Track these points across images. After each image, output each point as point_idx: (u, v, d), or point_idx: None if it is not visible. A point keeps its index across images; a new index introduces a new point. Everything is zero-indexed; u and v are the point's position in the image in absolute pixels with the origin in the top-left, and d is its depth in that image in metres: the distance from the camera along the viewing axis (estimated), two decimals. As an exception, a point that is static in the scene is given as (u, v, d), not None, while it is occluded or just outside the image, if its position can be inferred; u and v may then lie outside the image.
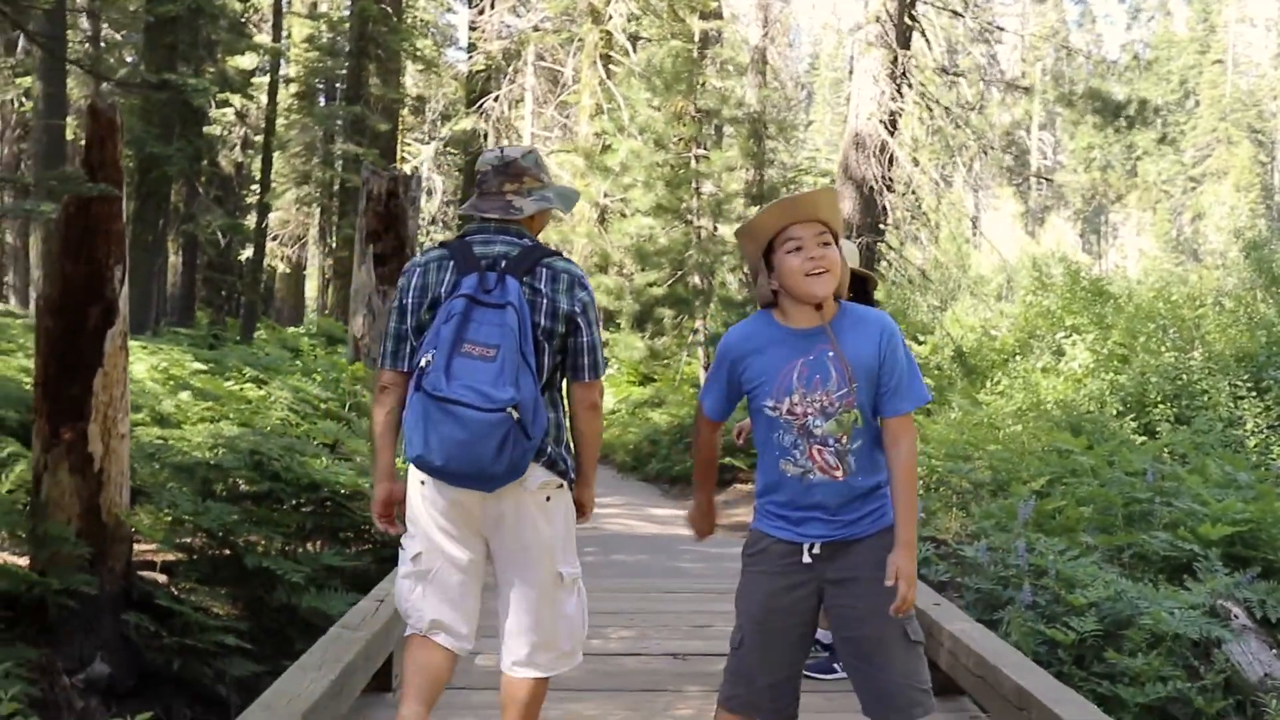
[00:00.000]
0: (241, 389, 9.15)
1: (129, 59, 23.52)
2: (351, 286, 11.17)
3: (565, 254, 3.60)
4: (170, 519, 6.39)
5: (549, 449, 3.22)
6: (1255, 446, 11.08)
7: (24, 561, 5.78)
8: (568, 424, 3.37)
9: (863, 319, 2.99)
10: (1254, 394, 12.10)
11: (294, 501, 6.89)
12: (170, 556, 6.50)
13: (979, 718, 4.44)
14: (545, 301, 3.20)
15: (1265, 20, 69.88)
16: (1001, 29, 20.52)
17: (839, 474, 2.93)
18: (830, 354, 2.92)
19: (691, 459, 4.82)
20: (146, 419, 8.05)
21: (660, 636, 5.49)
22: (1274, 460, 10.68)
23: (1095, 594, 6.08)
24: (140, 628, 5.73)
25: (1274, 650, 6.28)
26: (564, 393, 3.37)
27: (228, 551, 6.42)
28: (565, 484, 3.34)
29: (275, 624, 6.24)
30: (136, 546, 6.28)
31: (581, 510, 3.49)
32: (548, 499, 3.27)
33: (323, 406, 9.01)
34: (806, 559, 2.97)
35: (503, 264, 3.19)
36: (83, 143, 5.78)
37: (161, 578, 6.42)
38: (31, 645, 5.38)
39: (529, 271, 3.19)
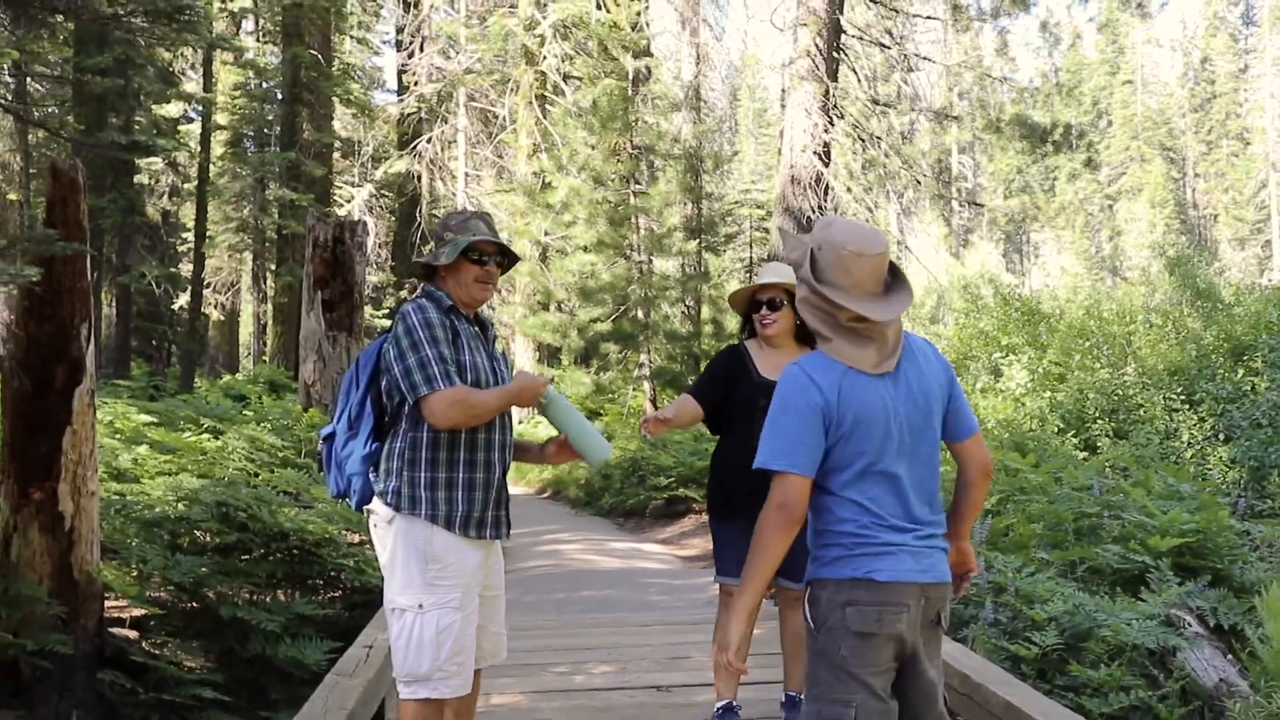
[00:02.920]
0: (198, 440, 9.11)
1: (50, 109, 23.23)
2: (300, 333, 11.16)
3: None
4: (139, 574, 6.36)
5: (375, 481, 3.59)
6: (1192, 458, 11.39)
7: (-8, 623, 5.73)
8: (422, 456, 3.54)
9: None
10: (1187, 406, 12.46)
11: (262, 551, 6.88)
12: (141, 612, 6.47)
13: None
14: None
15: (1170, 40, 71.95)
16: (925, 59, 20.97)
17: None
18: None
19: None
20: (104, 475, 7.99)
21: (640, 669, 5.56)
22: (1210, 470, 11.01)
23: (1055, 608, 6.24)
24: (115, 685, 5.71)
25: (1227, 656, 6.48)
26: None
27: (198, 604, 6.40)
28: (397, 516, 3.51)
29: (250, 675, 6.22)
30: (106, 603, 6.24)
31: None
32: (372, 527, 3.64)
33: (280, 455, 8.99)
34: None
35: None
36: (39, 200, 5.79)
37: (133, 634, 6.38)
38: (6, 707, 5.34)
39: None
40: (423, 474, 3.50)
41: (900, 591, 2.71)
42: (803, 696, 2.95)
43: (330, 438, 3.70)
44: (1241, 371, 13.23)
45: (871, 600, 2.69)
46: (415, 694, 3.49)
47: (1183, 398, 12.67)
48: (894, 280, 2.85)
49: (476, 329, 3.73)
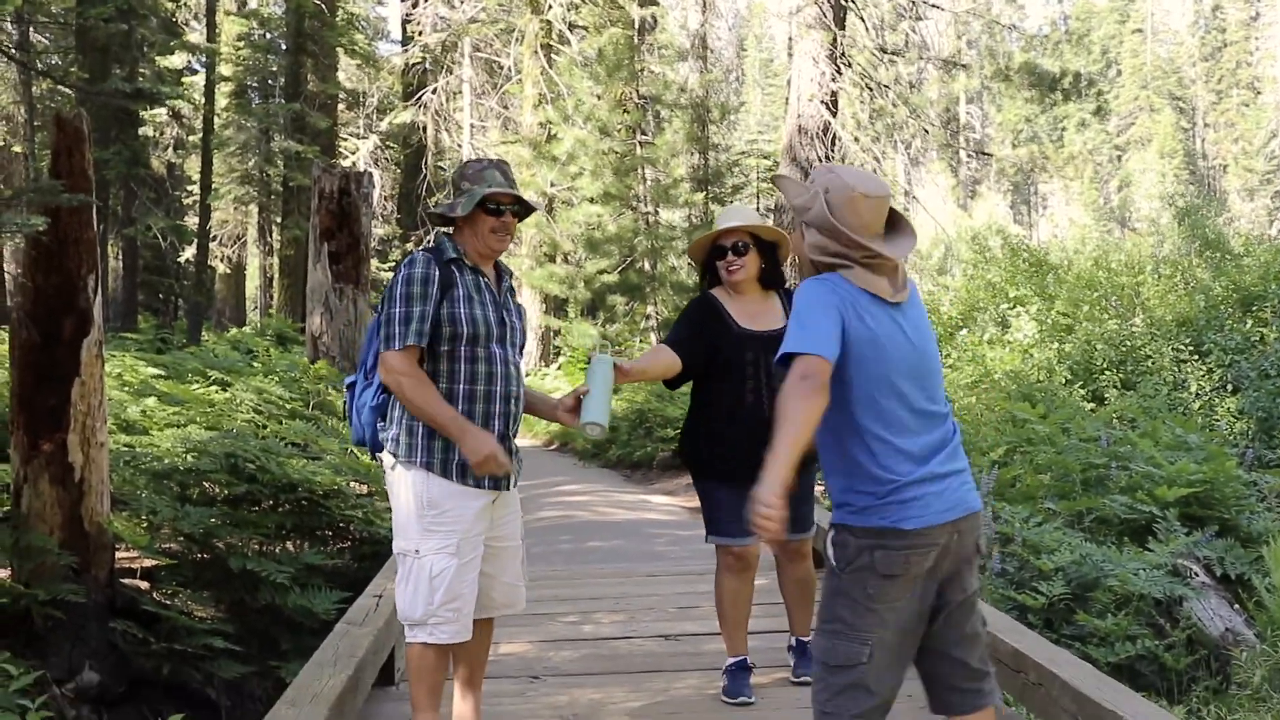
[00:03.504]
0: (206, 392, 9.13)
1: (53, 60, 23.10)
2: (307, 285, 11.15)
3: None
4: (149, 525, 6.40)
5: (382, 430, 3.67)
6: (1200, 409, 11.38)
7: (4, 574, 5.76)
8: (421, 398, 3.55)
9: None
10: (1195, 358, 12.42)
11: (271, 502, 6.91)
12: (151, 563, 6.51)
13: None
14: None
15: (1182, -13, 71.17)
16: (934, 5, 20.74)
17: None
18: None
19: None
20: (113, 427, 8.01)
21: (649, 619, 5.58)
22: (1218, 421, 11.01)
23: (1061, 559, 6.26)
24: (127, 635, 5.75)
25: (1234, 606, 6.51)
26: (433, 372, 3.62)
27: (208, 555, 6.44)
28: (398, 463, 3.59)
29: (260, 625, 6.27)
30: (117, 554, 6.28)
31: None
32: (384, 475, 3.73)
33: (288, 406, 9.01)
34: None
35: None
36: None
37: (144, 584, 6.42)
38: (19, 657, 5.38)
39: None
40: (421, 423, 3.55)
41: (929, 535, 2.76)
42: (813, 632, 2.98)
43: (352, 386, 3.81)
44: (1250, 322, 13.18)
45: (900, 545, 2.74)
46: (415, 637, 3.58)
47: (1191, 349, 12.63)
48: (894, 223, 2.95)
49: (486, 279, 3.71)
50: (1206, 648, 6.05)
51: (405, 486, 3.57)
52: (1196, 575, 6.67)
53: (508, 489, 3.71)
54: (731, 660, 4.52)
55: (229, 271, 32.89)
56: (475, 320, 3.59)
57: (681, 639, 5.29)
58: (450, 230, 3.79)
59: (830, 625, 2.83)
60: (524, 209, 3.79)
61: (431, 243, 3.78)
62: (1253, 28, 64.20)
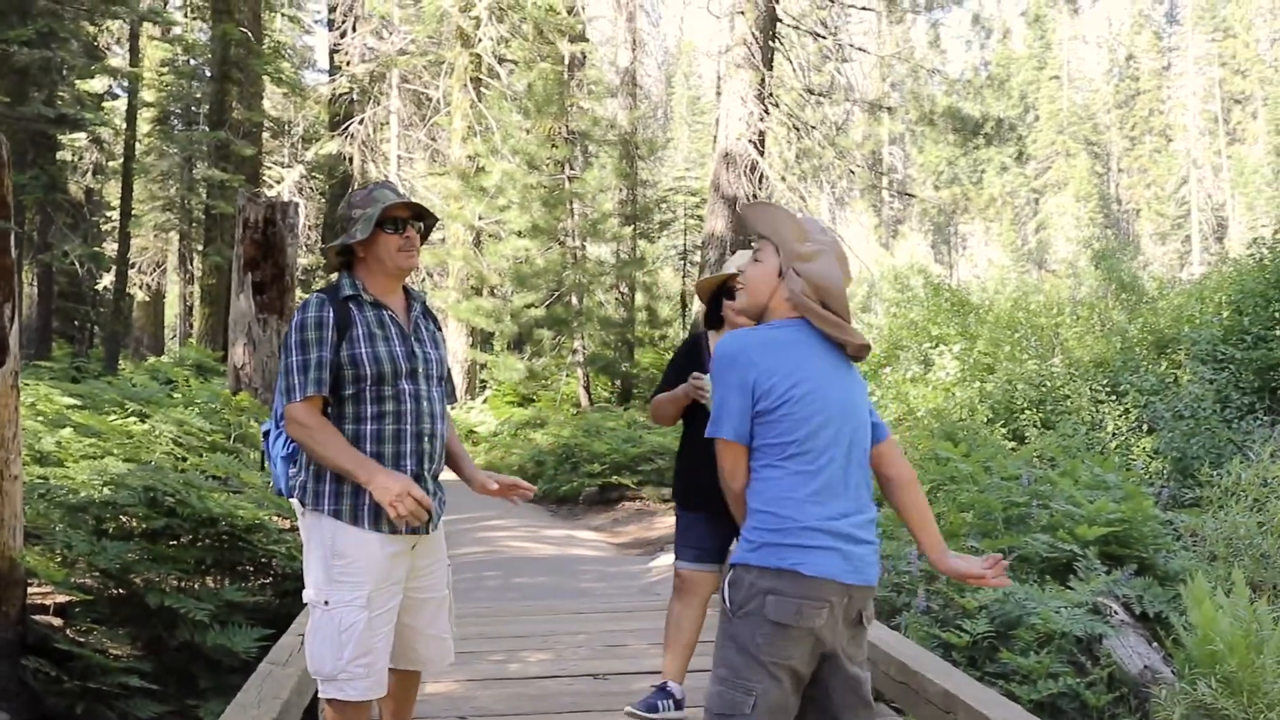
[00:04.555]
0: (124, 424, 8.92)
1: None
2: (230, 316, 10.98)
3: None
4: (64, 560, 6.22)
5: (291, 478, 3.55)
6: (1116, 448, 11.59)
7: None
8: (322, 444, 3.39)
9: None
10: (1112, 398, 12.66)
11: (191, 537, 6.75)
12: (65, 598, 6.32)
13: (896, 723, 4.60)
14: None
15: (1096, 37, 73.08)
16: (860, 49, 21.09)
17: None
18: None
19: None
20: (27, 458, 7.79)
21: (577, 658, 5.53)
22: (1134, 460, 11.21)
23: (985, 596, 6.32)
24: (39, 673, 5.58)
25: (1153, 644, 6.61)
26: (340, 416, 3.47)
27: (125, 591, 6.27)
28: (306, 511, 3.46)
29: (178, 663, 6.12)
30: (29, 590, 6.09)
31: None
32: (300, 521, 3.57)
33: (209, 439, 8.84)
34: None
35: None
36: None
37: (57, 621, 6.24)
38: (-75, 696, 5.21)
39: None
40: (327, 468, 3.39)
41: (824, 588, 2.73)
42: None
43: (267, 435, 3.67)
44: (1165, 364, 13.48)
45: (794, 592, 2.71)
46: (325, 693, 3.43)
47: (1108, 389, 12.88)
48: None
49: (390, 312, 3.51)
50: (1126, 685, 6.13)
51: (312, 534, 3.43)
52: (1116, 613, 6.76)
53: (427, 533, 3.51)
54: (657, 681, 4.68)
55: (148, 299, 32.26)
56: (379, 359, 3.41)
57: (610, 678, 5.24)
58: (347, 264, 3.58)
59: (718, 671, 2.81)
60: (426, 220, 3.61)
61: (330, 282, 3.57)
62: (1164, 76, 66.10)
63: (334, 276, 3.62)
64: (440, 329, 3.77)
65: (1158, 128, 65.21)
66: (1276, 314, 12.92)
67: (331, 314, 3.40)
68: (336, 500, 3.38)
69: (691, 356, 4.82)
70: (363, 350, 3.40)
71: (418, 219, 3.55)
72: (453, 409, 3.83)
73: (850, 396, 2.88)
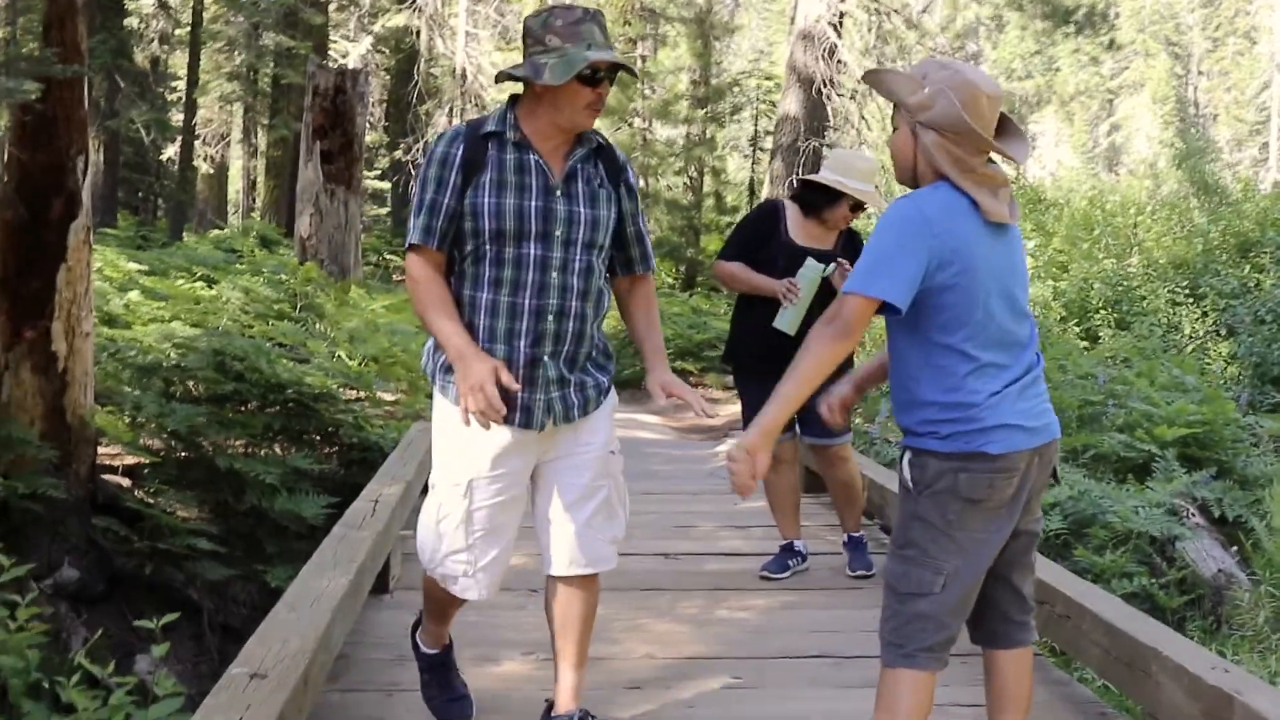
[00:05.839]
0: (192, 289, 8.92)
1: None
2: (297, 186, 10.91)
3: None
4: (133, 421, 6.24)
5: None
6: (1193, 352, 11.32)
7: (-19, 464, 5.60)
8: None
9: None
10: (1190, 301, 12.34)
11: (258, 403, 6.76)
12: (133, 460, 6.36)
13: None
14: None
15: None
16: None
17: None
18: None
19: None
20: (96, 319, 7.81)
21: (647, 536, 5.45)
22: (1210, 364, 10.95)
23: (1059, 493, 6.21)
24: (108, 532, 5.62)
25: (1232, 548, 6.48)
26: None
27: (193, 454, 6.30)
28: (435, 390, 3.04)
29: (245, 528, 6.16)
30: (99, 450, 6.12)
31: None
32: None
33: (275, 307, 8.83)
34: None
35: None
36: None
37: (126, 481, 6.29)
38: (-3, 549, 5.25)
39: None
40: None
41: (1014, 460, 2.61)
42: (886, 556, 2.84)
43: None
44: (1247, 268, 13.10)
45: (985, 469, 2.59)
46: (432, 573, 3.09)
47: (1186, 291, 12.54)
48: (1004, 127, 2.77)
49: (537, 155, 2.88)
50: (1200, 587, 6.02)
51: (433, 407, 3.06)
52: (1193, 515, 6.63)
53: (543, 428, 2.94)
54: (782, 541, 4.96)
55: (212, 172, 32.26)
56: (500, 212, 2.82)
57: (681, 558, 5.20)
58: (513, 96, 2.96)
59: (904, 550, 2.68)
60: (621, 71, 2.92)
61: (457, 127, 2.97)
62: (1254, -28, 63.61)
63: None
64: (625, 180, 3.07)
65: (1242, 29, 62.87)
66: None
67: (461, 151, 2.85)
68: (445, 373, 2.94)
69: (768, 224, 4.75)
70: (485, 200, 2.84)
71: (613, 70, 2.87)
72: (643, 279, 3.21)
73: (1010, 261, 2.70)
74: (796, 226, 4.69)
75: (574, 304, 2.91)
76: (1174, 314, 12.18)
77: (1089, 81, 58.60)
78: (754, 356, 4.71)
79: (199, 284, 9.28)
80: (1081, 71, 58.59)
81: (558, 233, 2.87)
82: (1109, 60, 60.23)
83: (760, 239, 4.69)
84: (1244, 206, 15.68)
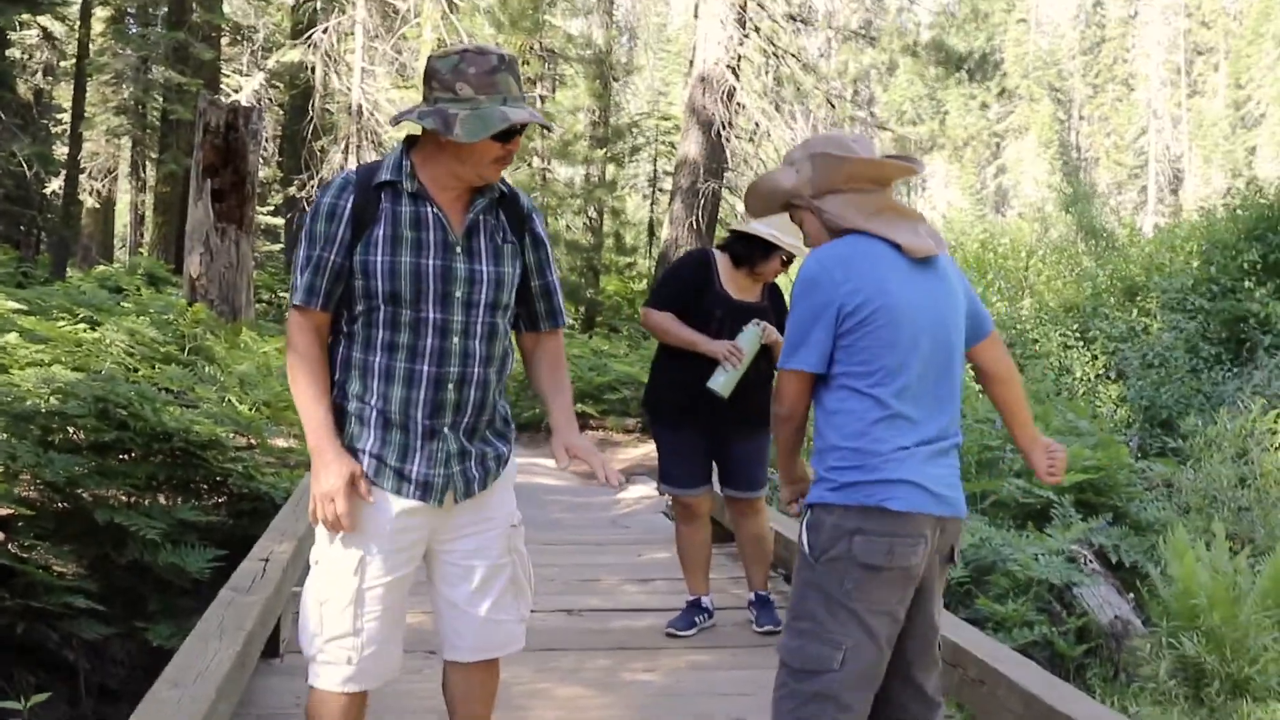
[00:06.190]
0: (74, 331, 8.56)
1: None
2: (186, 225, 10.59)
3: None
4: (7, 471, 5.92)
5: None
6: (1084, 395, 11.54)
7: None
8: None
9: None
10: (1081, 344, 12.61)
11: (142, 451, 6.47)
12: (7, 512, 6.03)
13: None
14: None
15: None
16: (838, -21, 20.67)
17: None
18: None
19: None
20: (-33, 364, 7.45)
21: (549, 592, 5.29)
22: (1101, 407, 11.17)
23: (961, 541, 6.20)
24: (-22, 590, 5.31)
25: (1128, 595, 6.55)
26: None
27: (71, 506, 6.00)
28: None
29: (126, 583, 5.86)
30: (-33, 502, 5.80)
31: None
32: None
33: (162, 350, 8.51)
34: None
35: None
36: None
37: (-1, 535, 5.96)
38: None
39: None
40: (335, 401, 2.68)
41: (917, 523, 2.49)
42: (782, 630, 2.74)
43: None
44: (1135, 311, 13.44)
45: (884, 530, 2.47)
46: (309, 677, 2.75)
47: (1077, 334, 12.83)
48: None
49: (436, 209, 2.63)
50: (1098, 636, 6.07)
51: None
52: (1090, 562, 6.70)
53: (441, 504, 2.69)
54: (689, 597, 4.89)
55: (98, 206, 31.35)
56: (397, 273, 2.57)
57: (585, 614, 5.06)
58: (410, 138, 2.71)
59: (799, 623, 2.55)
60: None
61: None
62: (1130, 24, 65.91)
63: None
64: (531, 230, 2.82)
65: (1121, 76, 65.18)
66: (1245, 265, 12.89)
67: (350, 203, 2.59)
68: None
69: (700, 275, 4.70)
70: (378, 258, 2.58)
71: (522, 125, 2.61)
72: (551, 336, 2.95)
73: (933, 303, 2.62)
74: (728, 278, 4.67)
75: (476, 371, 2.67)
76: (1066, 357, 12.44)
77: (975, 125, 60.16)
78: (676, 409, 4.70)
79: (81, 325, 8.92)
80: (969, 115, 60.18)
81: (458, 294, 2.63)
82: (995, 105, 61.97)
83: (692, 290, 4.64)
84: (1130, 251, 16.13)
